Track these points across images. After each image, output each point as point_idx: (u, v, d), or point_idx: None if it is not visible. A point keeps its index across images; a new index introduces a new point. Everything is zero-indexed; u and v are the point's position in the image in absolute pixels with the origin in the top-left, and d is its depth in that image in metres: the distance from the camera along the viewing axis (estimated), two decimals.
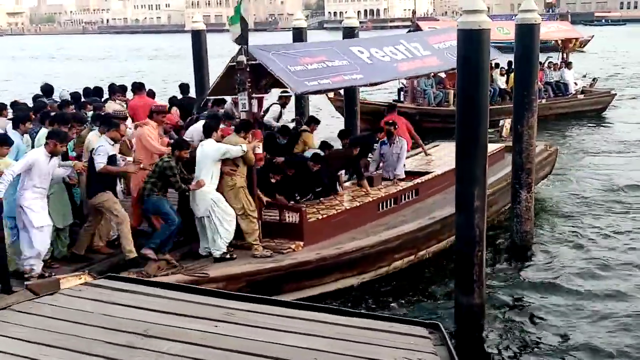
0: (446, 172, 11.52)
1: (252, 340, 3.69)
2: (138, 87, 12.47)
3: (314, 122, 11.41)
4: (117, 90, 12.44)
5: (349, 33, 14.84)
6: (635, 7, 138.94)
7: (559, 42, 24.51)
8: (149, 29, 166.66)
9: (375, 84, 10.89)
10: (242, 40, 8.84)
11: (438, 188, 11.37)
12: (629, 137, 20.56)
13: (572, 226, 12.35)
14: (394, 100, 21.95)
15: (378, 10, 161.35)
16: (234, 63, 8.88)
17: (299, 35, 16.00)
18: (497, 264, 10.64)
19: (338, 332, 3.85)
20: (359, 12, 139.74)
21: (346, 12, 17.28)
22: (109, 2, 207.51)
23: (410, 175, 11.51)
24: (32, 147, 8.66)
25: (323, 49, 9.70)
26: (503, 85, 22.08)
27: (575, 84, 24.12)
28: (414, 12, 24.43)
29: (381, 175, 11.17)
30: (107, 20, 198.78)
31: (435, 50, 11.45)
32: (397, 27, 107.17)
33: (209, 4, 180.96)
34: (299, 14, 16.93)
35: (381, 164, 11.46)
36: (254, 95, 9.14)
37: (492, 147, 12.99)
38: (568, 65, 24.04)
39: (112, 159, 8.35)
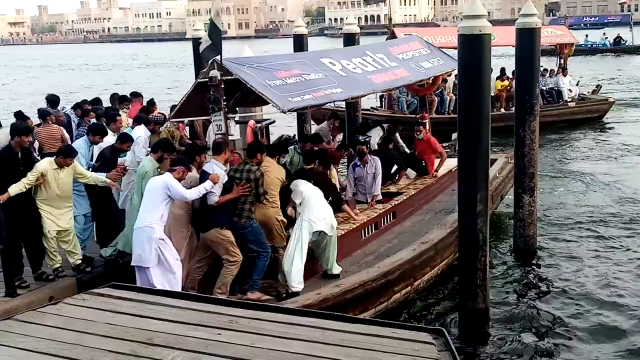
0: (421, 191, 11.20)
1: (255, 348, 3.69)
2: (136, 96, 12.60)
3: (318, 140, 10.40)
4: (124, 99, 12.56)
5: (350, 39, 14.90)
6: (637, 10, 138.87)
7: (557, 47, 23.74)
8: (150, 37, 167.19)
9: (355, 98, 10.59)
10: (214, 52, 8.01)
11: (414, 208, 10.86)
12: (620, 146, 20.06)
13: (576, 231, 12.34)
14: (372, 108, 21.78)
15: (379, 16, 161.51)
16: (205, 79, 8.11)
17: (299, 41, 16.07)
18: (500, 269, 10.62)
19: (341, 339, 3.84)
20: (359, 18, 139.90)
21: (347, 18, 17.35)
22: (110, 11, 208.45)
23: (383, 196, 10.45)
24: None
25: (296, 62, 9.17)
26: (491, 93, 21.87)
27: (570, 90, 23.36)
28: (390, 19, 23.45)
29: (355, 199, 10.19)
30: (109, 29, 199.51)
31: (400, 61, 11.12)
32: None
33: (209, 12, 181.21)
34: (300, 20, 17.01)
35: (354, 188, 10.39)
36: (229, 115, 8.48)
37: (453, 163, 11.60)
38: (564, 71, 23.35)
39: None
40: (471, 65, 7.95)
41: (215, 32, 8.07)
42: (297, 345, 3.72)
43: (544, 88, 22.65)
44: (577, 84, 24.51)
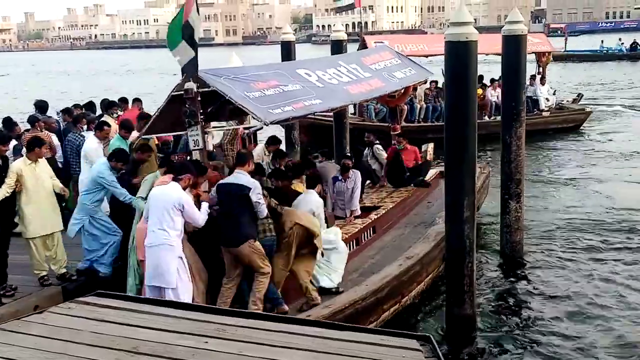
0: (398, 204, 11.02)
1: (242, 356, 3.67)
2: (125, 101, 12.58)
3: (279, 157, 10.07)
4: (113, 105, 12.53)
5: (337, 46, 14.95)
6: (621, 17, 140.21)
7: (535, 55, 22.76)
8: (137, 44, 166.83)
9: (334, 109, 10.34)
10: (192, 67, 7.66)
11: (392, 222, 10.64)
12: (590, 159, 19.78)
13: (562, 238, 12.40)
14: (351, 114, 21.76)
15: (366, 23, 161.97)
16: (180, 92, 7.75)
17: (287, 48, 16.10)
18: (487, 275, 10.66)
19: (329, 346, 3.84)
20: (347, 25, 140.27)
21: (334, 25, 17.35)
22: (97, 18, 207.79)
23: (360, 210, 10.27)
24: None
25: (272, 73, 8.90)
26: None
27: (547, 100, 22.84)
28: (360, 26, 23.42)
29: (333, 214, 9.86)
30: (96, 36, 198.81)
31: (374, 72, 10.94)
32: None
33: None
34: (288, 27, 17.02)
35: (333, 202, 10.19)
36: (207, 129, 8.14)
37: (430, 172, 12.59)
38: (542, 80, 22.84)
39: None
40: (458, 71, 8.00)
41: (190, 40, 7.66)
42: (283, 353, 3.71)
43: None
44: (553, 93, 24.12)
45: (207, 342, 3.89)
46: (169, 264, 6.89)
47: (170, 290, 6.90)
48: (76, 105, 12.88)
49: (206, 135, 7.96)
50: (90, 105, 13.11)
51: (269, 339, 3.92)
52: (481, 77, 21.57)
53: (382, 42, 21.37)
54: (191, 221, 7.10)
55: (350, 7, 21.45)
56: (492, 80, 22.28)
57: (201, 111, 7.83)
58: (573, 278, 10.39)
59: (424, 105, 21.37)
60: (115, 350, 3.79)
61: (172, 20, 8.07)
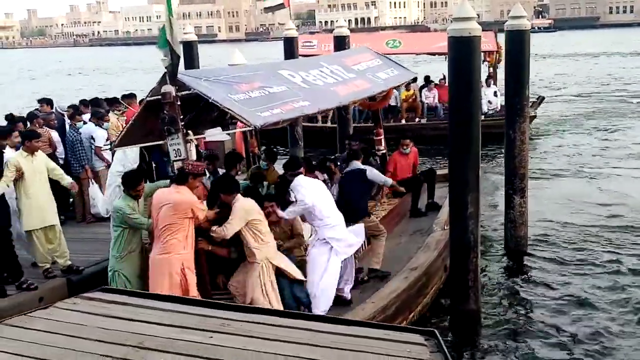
0: (390, 212, 10.54)
1: (246, 350, 3.68)
2: (132, 97, 12.62)
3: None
4: (115, 101, 12.56)
5: (340, 42, 14.90)
6: (625, 12, 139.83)
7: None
8: (140, 41, 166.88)
9: (324, 111, 10.11)
10: (172, 67, 6.99)
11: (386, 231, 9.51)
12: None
13: (566, 232, 12.40)
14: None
15: (369, 19, 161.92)
16: (156, 97, 7.13)
17: (290, 44, 16.04)
18: (491, 270, 10.66)
19: (333, 341, 3.84)
20: (349, 20, 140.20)
21: (337, 20, 17.29)
22: (100, 15, 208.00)
23: None
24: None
25: (254, 74, 8.46)
26: (428, 101, 21.37)
27: (490, 102, 21.12)
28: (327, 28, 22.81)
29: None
30: (99, 33, 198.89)
31: (357, 73, 10.51)
32: None
33: (200, 15, 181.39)
34: (290, 23, 16.95)
35: None
36: (189, 138, 7.38)
37: None
38: (487, 81, 21.25)
39: None
40: (461, 67, 7.99)
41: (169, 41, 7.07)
42: (287, 348, 3.72)
43: None
44: (494, 94, 21.89)
45: (212, 337, 3.89)
46: None
47: None
48: (83, 101, 12.88)
49: (188, 145, 7.29)
50: (96, 102, 13.12)
51: (273, 334, 3.92)
52: (415, 78, 20.89)
53: (310, 42, 21.05)
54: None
55: (280, 7, 20.55)
56: (428, 80, 21.85)
57: (181, 117, 7.17)
58: (577, 273, 10.38)
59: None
60: (121, 345, 3.80)
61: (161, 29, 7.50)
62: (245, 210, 6.92)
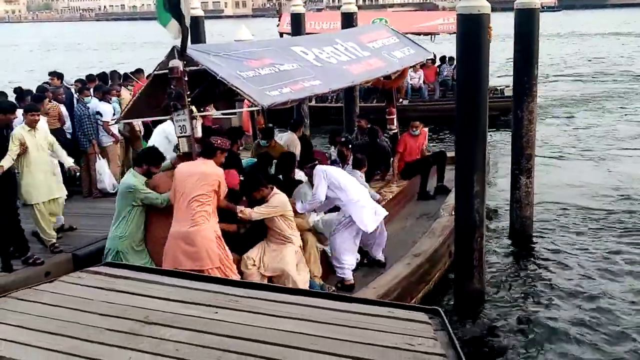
0: (397, 195, 10.43)
1: (251, 326, 3.68)
2: (140, 72, 12.61)
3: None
4: (127, 77, 12.56)
5: (348, 18, 14.77)
6: None
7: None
8: (146, 16, 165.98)
9: (335, 91, 9.94)
10: (182, 40, 6.79)
11: (393, 214, 9.58)
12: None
13: (571, 213, 12.37)
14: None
15: None
16: (164, 70, 6.98)
17: (297, 21, 15.94)
18: (496, 250, 10.65)
19: (337, 318, 3.84)
20: None
21: None
22: None
23: None
24: None
25: (265, 49, 8.22)
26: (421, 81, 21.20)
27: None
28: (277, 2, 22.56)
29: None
30: (105, 7, 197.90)
31: (372, 51, 10.27)
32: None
33: None
34: (298, 0, 16.80)
35: None
36: (195, 114, 7.33)
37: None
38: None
39: None
40: (469, 45, 7.92)
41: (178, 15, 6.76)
42: (291, 324, 3.72)
43: (448, 79, 21.53)
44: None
45: (217, 313, 3.90)
46: None
47: None
48: (89, 76, 12.85)
49: (194, 121, 7.16)
50: (104, 76, 13.09)
51: (278, 310, 3.93)
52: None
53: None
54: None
55: None
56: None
57: (188, 92, 7.04)
58: (582, 255, 10.37)
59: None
60: (126, 319, 3.81)
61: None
62: (283, 203, 7.27)
